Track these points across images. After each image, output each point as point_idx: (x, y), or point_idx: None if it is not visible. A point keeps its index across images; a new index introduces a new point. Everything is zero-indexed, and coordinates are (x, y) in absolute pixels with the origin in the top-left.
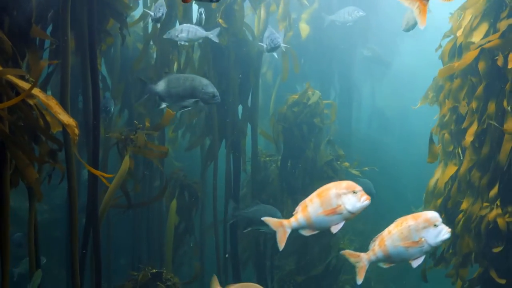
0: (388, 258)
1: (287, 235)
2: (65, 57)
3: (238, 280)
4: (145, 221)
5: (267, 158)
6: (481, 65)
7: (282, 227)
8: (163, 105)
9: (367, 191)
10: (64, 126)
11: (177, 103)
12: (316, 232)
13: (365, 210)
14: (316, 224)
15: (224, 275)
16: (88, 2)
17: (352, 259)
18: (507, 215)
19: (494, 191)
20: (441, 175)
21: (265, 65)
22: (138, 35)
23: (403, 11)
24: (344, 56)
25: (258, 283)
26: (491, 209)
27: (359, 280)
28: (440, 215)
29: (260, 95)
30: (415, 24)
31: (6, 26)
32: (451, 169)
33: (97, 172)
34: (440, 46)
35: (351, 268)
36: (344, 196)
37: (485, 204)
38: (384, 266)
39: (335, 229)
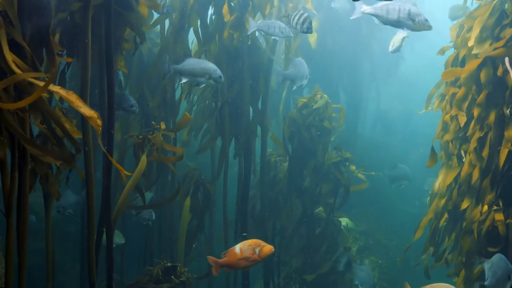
0: None
1: None
2: (85, 65)
3: (247, 275)
4: (157, 219)
5: (278, 158)
6: (483, 74)
7: None
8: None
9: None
10: (86, 119)
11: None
12: None
13: (368, 210)
14: None
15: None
16: (106, 12)
17: None
18: (508, 219)
19: (493, 194)
20: (443, 177)
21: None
22: (153, 40)
23: None
24: (351, 61)
25: (264, 279)
26: (490, 212)
27: None
28: (443, 216)
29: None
30: (400, 45)
31: (28, 34)
32: (453, 173)
33: (117, 166)
34: (442, 51)
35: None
36: None
37: (485, 207)
38: None
39: None
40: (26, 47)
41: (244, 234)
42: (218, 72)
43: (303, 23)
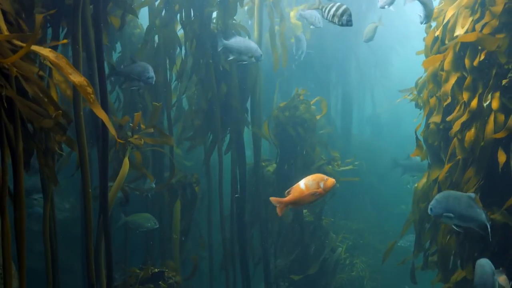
0: None
1: None
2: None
3: (247, 274)
4: (157, 217)
5: (263, 163)
6: (467, 61)
7: None
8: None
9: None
10: (76, 87)
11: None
12: None
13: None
14: None
15: (231, 269)
16: None
17: None
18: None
19: (474, 190)
20: (426, 178)
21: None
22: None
23: (397, 20)
24: (340, 64)
25: (265, 279)
26: None
27: None
28: (425, 222)
29: (261, 98)
30: (373, 35)
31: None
32: (436, 172)
33: (113, 132)
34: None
35: (346, 267)
36: None
37: None
38: None
39: None
40: (14, 16)
41: (237, 195)
42: (259, 51)
43: (342, 15)
